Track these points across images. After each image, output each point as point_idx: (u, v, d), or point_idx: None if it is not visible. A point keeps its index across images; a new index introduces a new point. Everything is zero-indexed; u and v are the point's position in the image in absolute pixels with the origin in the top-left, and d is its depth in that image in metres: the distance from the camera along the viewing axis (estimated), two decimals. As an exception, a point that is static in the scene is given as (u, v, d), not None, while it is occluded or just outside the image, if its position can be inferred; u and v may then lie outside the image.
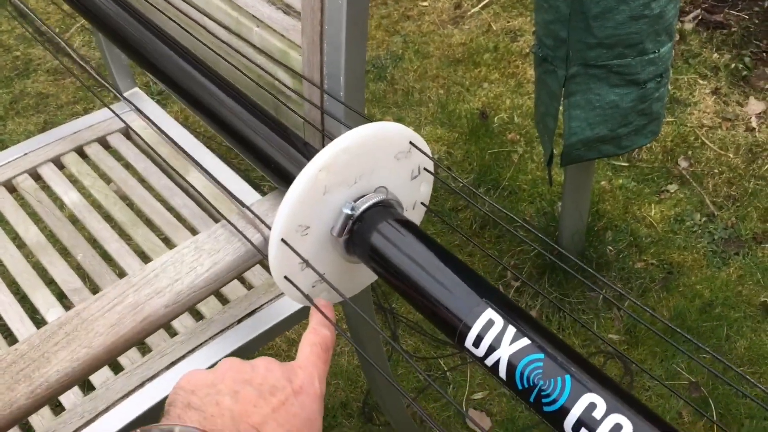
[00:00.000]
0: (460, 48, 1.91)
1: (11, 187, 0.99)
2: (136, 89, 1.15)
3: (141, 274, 0.57)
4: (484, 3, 2.04)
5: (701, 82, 1.75)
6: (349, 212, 0.55)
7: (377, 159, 0.56)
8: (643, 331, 1.26)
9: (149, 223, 0.96)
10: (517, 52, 1.86)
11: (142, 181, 1.01)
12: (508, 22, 1.98)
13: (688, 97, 1.72)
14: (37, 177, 1.01)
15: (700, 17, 1.90)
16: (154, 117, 1.10)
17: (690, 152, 1.60)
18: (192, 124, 1.75)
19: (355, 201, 0.56)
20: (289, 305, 0.83)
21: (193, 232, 0.94)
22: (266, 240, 0.61)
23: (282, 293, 0.85)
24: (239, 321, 0.81)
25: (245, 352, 0.79)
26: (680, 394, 0.94)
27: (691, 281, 1.36)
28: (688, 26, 1.88)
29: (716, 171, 1.56)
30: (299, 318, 0.83)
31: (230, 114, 0.71)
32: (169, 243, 0.94)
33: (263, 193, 1.06)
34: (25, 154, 1.02)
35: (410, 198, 0.61)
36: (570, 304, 1.30)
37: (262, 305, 0.82)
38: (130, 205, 0.98)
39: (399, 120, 1.74)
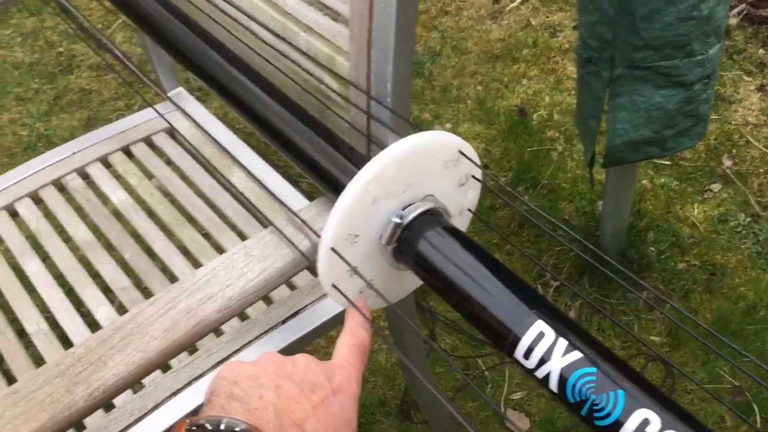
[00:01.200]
0: (499, 44, 1.90)
1: (60, 186, 1.01)
2: (180, 89, 1.16)
3: (193, 279, 0.58)
4: (523, -2, 2.02)
5: (746, 78, 1.72)
6: (398, 221, 0.55)
7: (426, 167, 0.56)
8: (685, 333, 1.25)
9: (194, 222, 0.97)
10: (557, 47, 1.85)
11: (187, 180, 1.02)
12: (548, 17, 1.96)
13: (733, 95, 1.68)
14: (85, 176, 1.03)
15: (745, 12, 1.86)
16: (198, 116, 1.11)
17: (734, 151, 1.57)
18: (232, 120, 1.77)
19: (403, 209, 0.56)
20: (332, 306, 0.83)
21: (237, 231, 0.95)
22: (314, 246, 0.62)
23: (325, 294, 0.86)
24: (283, 321, 0.82)
25: (289, 352, 0.79)
26: (723, 400, 0.92)
27: (734, 283, 1.34)
28: (733, 21, 1.84)
29: (761, 170, 1.53)
30: (343, 319, 0.84)
31: (277, 119, 0.71)
32: (212, 240, 0.95)
33: (302, 190, 1.07)
34: (74, 153, 1.04)
35: (457, 205, 0.61)
36: (610, 305, 1.28)
37: (305, 306, 0.83)
38: (175, 203, 1.00)
39: (436, 117, 1.73)
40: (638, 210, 1.43)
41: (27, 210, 0.98)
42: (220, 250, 0.94)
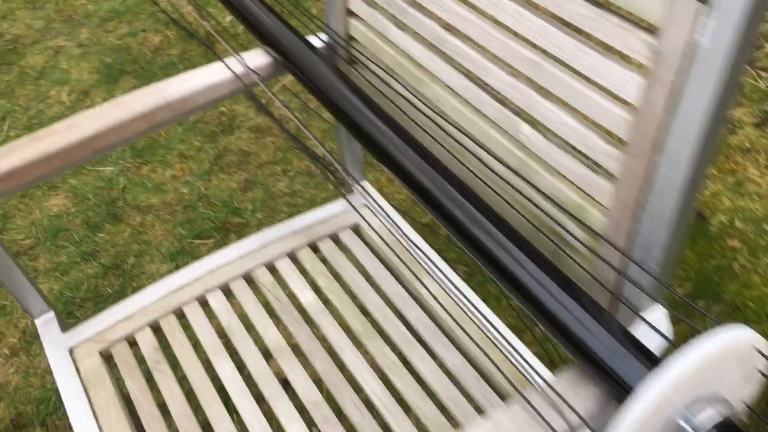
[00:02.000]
0: (669, 136, 1.80)
1: (249, 279, 1.01)
2: (366, 183, 1.15)
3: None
4: (696, 88, 1.92)
5: None
6: (688, 428, 0.49)
7: (721, 366, 0.50)
8: None
9: (383, 333, 0.94)
10: (737, 146, 1.73)
11: (374, 284, 1.00)
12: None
13: None
14: (272, 269, 1.02)
15: None
16: (385, 213, 1.09)
17: None
18: (386, 197, 1.76)
19: (690, 411, 0.50)
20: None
21: (427, 349, 0.91)
22: (570, 427, 0.56)
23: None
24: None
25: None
26: None
27: None
28: None
29: None
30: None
31: (513, 263, 0.67)
32: (401, 355, 0.91)
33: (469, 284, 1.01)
34: (263, 246, 1.04)
35: (735, 396, 0.55)
36: (809, 453, 1.15)
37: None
38: (363, 309, 0.97)
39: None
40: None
41: (217, 302, 0.98)
42: (407, 364, 0.90)
